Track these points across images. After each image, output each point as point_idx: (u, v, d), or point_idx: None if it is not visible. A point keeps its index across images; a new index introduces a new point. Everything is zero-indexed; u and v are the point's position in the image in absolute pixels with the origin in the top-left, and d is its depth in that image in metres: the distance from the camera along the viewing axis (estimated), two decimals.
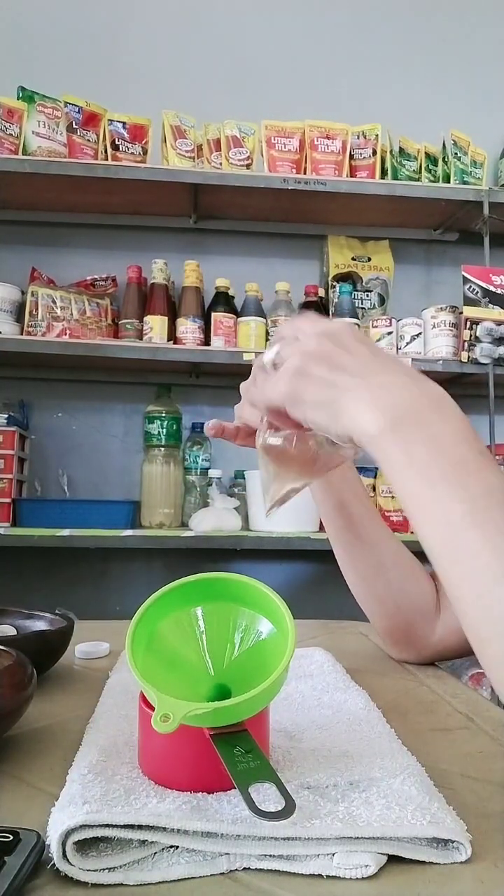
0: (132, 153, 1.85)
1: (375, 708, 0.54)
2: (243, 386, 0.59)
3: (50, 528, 1.70)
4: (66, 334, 1.79)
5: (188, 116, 1.88)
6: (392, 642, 0.75)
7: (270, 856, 0.34)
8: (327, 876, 0.33)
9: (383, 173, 1.92)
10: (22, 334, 1.81)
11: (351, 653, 0.77)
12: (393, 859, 0.34)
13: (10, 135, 1.78)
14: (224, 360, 1.79)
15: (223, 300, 1.89)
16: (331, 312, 1.97)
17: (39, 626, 0.71)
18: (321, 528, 1.77)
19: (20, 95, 1.83)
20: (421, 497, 0.41)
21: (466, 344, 1.81)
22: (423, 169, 1.94)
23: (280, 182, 1.83)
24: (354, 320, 1.89)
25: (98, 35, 2.06)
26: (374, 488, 1.84)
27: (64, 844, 0.33)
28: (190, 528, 1.77)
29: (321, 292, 2.00)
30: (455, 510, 0.39)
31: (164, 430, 1.84)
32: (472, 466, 0.41)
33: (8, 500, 1.76)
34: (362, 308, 2.02)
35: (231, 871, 0.34)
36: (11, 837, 0.34)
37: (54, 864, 0.33)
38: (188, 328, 1.84)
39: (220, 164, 1.87)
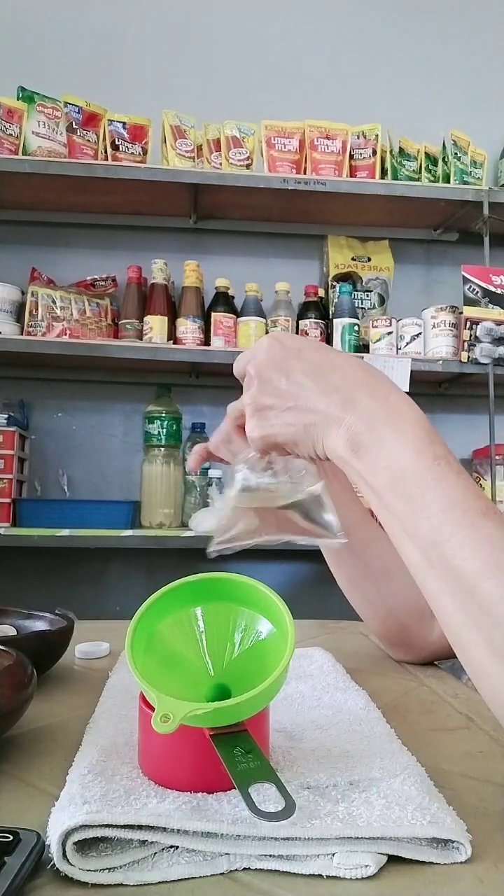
0: (132, 153, 1.85)
1: (375, 708, 0.54)
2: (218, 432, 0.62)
3: (50, 528, 1.70)
4: (66, 334, 1.79)
5: (188, 116, 1.88)
6: (388, 644, 0.75)
7: (270, 856, 0.34)
8: (327, 876, 0.33)
9: (383, 173, 1.92)
10: (22, 334, 1.81)
11: (351, 653, 0.76)
12: (393, 859, 0.34)
13: (10, 135, 1.78)
14: (224, 361, 1.79)
15: (223, 300, 1.89)
16: (331, 312, 1.97)
17: (39, 626, 0.71)
18: None
19: (20, 95, 1.83)
20: (394, 514, 0.43)
21: (466, 344, 1.81)
22: (423, 169, 1.94)
23: (280, 182, 1.83)
24: (354, 320, 1.89)
25: (98, 35, 2.06)
26: None
27: (64, 844, 0.33)
28: (190, 528, 1.77)
29: (321, 292, 2.00)
30: (423, 526, 0.41)
31: (164, 430, 1.84)
32: (436, 475, 0.41)
33: (8, 500, 1.76)
34: (362, 308, 2.02)
35: (231, 871, 0.34)
36: (11, 837, 0.34)
37: (54, 865, 0.33)
38: (188, 328, 1.84)
39: (220, 164, 1.87)
